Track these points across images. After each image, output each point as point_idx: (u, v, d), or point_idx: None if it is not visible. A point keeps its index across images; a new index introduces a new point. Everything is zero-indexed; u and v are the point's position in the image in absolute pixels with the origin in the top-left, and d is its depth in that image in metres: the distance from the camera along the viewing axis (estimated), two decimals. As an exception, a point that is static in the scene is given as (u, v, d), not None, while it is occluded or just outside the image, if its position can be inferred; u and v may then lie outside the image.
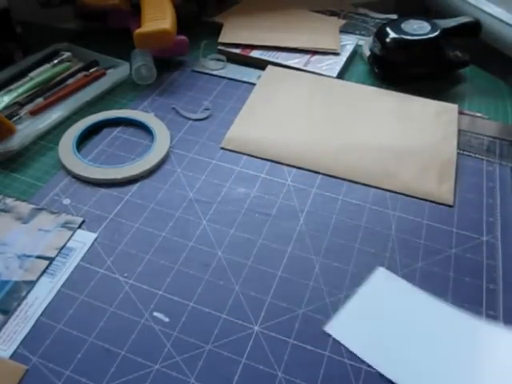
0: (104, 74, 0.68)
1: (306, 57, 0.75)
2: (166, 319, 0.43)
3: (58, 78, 0.66)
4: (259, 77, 0.71)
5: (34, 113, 0.61)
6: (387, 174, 0.56)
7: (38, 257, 0.47)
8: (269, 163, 0.58)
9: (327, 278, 0.46)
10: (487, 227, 0.51)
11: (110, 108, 0.64)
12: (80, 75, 0.67)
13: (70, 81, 0.67)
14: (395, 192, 0.55)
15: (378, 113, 0.65)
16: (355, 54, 0.79)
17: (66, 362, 0.39)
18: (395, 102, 0.68)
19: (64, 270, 0.46)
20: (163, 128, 0.61)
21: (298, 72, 0.73)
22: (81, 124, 0.61)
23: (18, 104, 0.61)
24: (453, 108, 0.67)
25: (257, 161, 0.58)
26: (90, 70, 0.68)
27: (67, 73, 0.67)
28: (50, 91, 0.64)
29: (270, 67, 0.73)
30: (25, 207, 0.51)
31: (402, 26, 0.71)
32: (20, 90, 0.63)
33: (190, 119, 0.63)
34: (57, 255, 0.47)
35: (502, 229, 0.51)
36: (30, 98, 0.62)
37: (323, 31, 0.80)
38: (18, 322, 0.42)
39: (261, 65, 0.74)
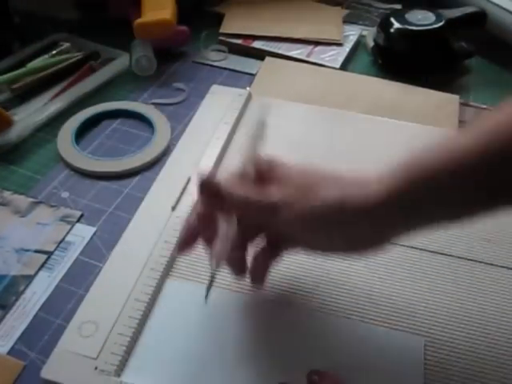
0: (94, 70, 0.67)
1: (309, 47, 0.74)
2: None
3: (56, 69, 0.65)
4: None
5: (16, 90, 0.61)
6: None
7: (36, 251, 0.46)
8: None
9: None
10: None
11: (109, 100, 0.63)
12: (85, 66, 0.67)
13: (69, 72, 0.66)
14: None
15: (379, 104, 0.65)
16: (359, 44, 0.77)
17: (64, 358, 0.39)
18: (396, 93, 0.67)
19: (62, 265, 0.45)
20: (163, 120, 0.61)
21: (298, 63, 0.72)
22: (80, 116, 0.60)
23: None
24: (454, 99, 0.66)
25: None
26: (90, 62, 0.67)
27: (66, 64, 0.66)
28: (48, 82, 0.63)
29: (268, 59, 0.72)
30: (23, 200, 0.51)
31: (407, 16, 0.70)
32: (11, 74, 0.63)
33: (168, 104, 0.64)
34: (55, 249, 0.46)
35: None
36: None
37: (326, 21, 0.79)
38: (15, 317, 0.41)
39: (263, 55, 0.73)
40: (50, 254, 0.46)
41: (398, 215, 0.34)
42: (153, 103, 0.64)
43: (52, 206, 0.50)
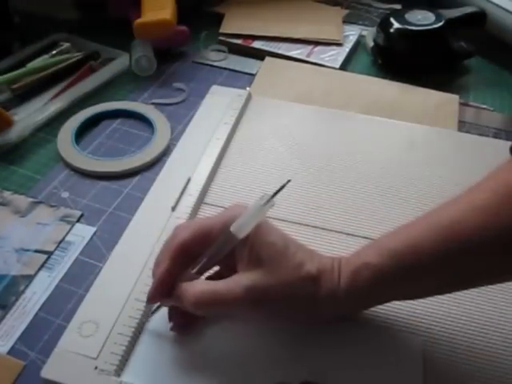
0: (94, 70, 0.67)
1: (309, 47, 0.75)
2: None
3: (56, 69, 0.65)
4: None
5: (16, 90, 0.61)
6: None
7: (36, 251, 0.46)
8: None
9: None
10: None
11: (109, 100, 0.64)
12: (85, 66, 0.67)
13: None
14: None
15: (378, 104, 0.65)
16: (358, 44, 0.78)
17: (64, 357, 0.39)
18: (396, 92, 0.67)
19: (62, 265, 0.45)
20: (163, 120, 0.61)
21: (298, 63, 0.72)
22: (80, 116, 0.60)
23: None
24: (454, 99, 0.66)
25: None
26: (90, 62, 0.67)
27: (66, 64, 0.66)
28: (48, 82, 0.64)
29: (268, 59, 0.72)
30: (23, 200, 0.51)
31: (406, 16, 0.71)
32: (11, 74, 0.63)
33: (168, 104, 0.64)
34: (55, 249, 0.46)
35: None
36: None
37: (326, 21, 0.79)
38: (15, 316, 0.41)
39: (262, 55, 0.73)
40: (50, 253, 0.46)
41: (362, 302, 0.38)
42: (153, 103, 0.64)
43: (52, 206, 0.50)
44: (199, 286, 0.36)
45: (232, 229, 0.36)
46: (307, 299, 0.36)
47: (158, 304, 0.39)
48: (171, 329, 0.39)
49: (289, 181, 0.36)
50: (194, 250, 0.37)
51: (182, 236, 0.37)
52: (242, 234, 0.36)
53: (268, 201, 0.36)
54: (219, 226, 0.37)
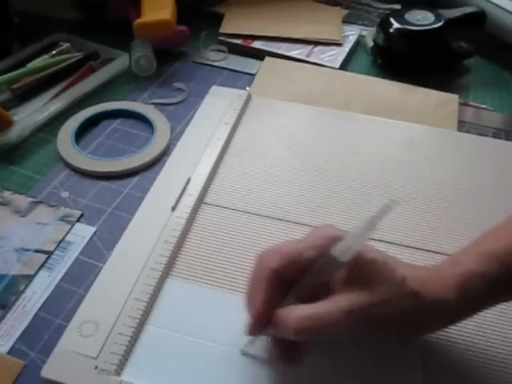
0: (94, 70, 0.67)
1: (309, 47, 0.75)
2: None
3: (56, 69, 0.65)
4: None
5: (16, 90, 0.61)
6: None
7: (36, 251, 0.46)
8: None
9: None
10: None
11: (109, 100, 0.64)
12: (85, 66, 0.67)
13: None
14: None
15: (378, 104, 0.65)
16: (358, 44, 0.78)
17: (64, 357, 0.39)
18: (396, 92, 0.67)
19: (62, 264, 0.45)
20: (163, 120, 0.61)
21: (298, 63, 0.72)
22: (80, 116, 0.60)
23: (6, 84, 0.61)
24: (453, 98, 0.66)
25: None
26: (90, 62, 0.67)
27: (66, 64, 0.66)
28: (48, 82, 0.64)
29: (268, 59, 0.72)
30: (23, 200, 0.51)
31: (406, 16, 0.71)
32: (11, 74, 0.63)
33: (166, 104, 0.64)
34: (55, 249, 0.46)
35: None
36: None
37: (325, 21, 0.79)
38: (15, 316, 0.41)
39: (262, 56, 0.73)
40: (49, 253, 0.46)
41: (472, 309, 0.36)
42: (153, 103, 0.64)
43: (52, 206, 0.50)
44: (300, 311, 0.34)
45: (334, 253, 0.34)
46: (412, 314, 0.34)
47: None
48: (276, 358, 0.38)
49: (395, 202, 0.34)
50: (287, 277, 0.36)
51: (272, 265, 0.35)
52: (346, 258, 0.34)
53: (373, 223, 0.33)
54: (311, 250, 0.35)
